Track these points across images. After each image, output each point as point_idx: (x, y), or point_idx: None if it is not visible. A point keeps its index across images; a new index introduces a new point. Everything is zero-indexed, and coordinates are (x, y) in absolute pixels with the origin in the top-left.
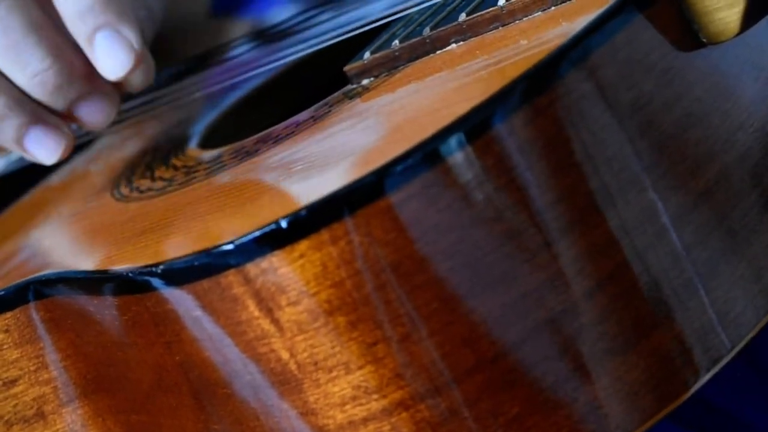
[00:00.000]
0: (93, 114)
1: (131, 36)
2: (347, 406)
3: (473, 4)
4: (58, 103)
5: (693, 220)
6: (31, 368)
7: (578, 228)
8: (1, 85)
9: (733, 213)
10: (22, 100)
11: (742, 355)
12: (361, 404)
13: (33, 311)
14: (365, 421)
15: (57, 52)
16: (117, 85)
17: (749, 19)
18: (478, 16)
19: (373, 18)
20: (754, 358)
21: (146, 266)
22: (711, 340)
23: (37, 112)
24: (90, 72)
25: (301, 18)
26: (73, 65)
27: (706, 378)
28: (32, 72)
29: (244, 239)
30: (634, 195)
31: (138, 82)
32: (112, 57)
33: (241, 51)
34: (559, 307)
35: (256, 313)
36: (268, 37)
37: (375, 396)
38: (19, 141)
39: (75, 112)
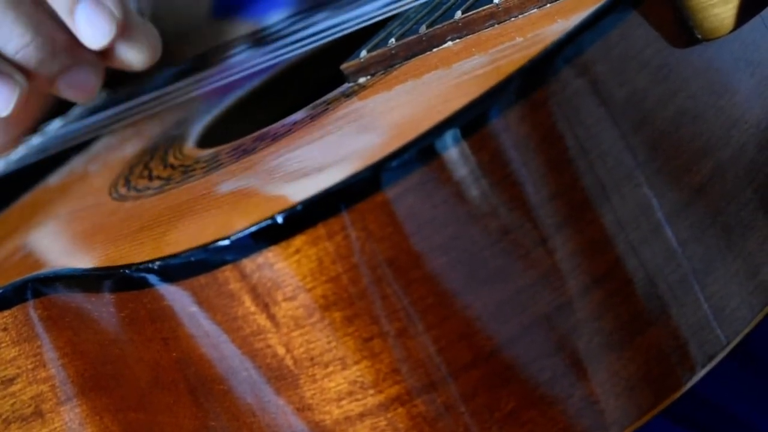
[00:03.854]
0: (78, 86)
1: (111, 4)
2: (343, 402)
3: (469, 2)
4: (43, 77)
5: (688, 216)
6: (29, 366)
7: (573, 224)
8: None
9: (728, 209)
10: None
11: (737, 350)
12: (357, 399)
13: (31, 309)
14: (361, 416)
15: (36, 26)
16: (103, 58)
17: (744, 15)
18: (474, 13)
19: (368, 17)
20: (748, 353)
21: (143, 263)
22: (706, 336)
23: None
24: (73, 44)
25: (296, 18)
26: (55, 39)
27: (701, 374)
28: (14, 48)
29: (240, 235)
30: (629, 191)
31: (134, 57)
32: (93, 26)
33: (239, 52)
34: (554, 303)
35: (252, 309)
36: (265, 38)
37: (371, 391)
38: None
39: (60, 84)
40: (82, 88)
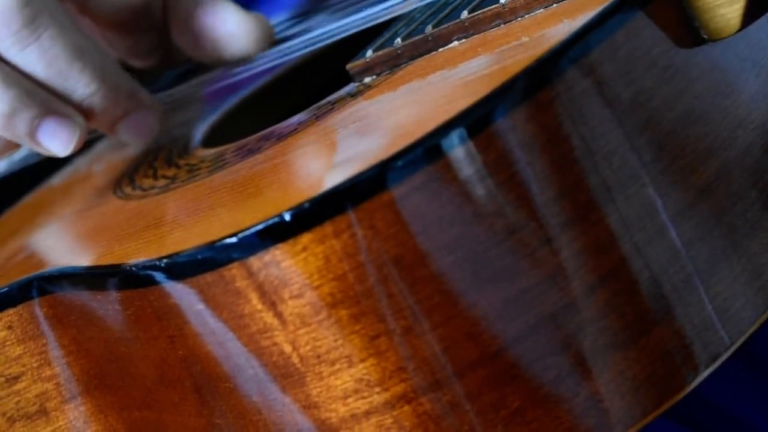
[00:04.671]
0: (137, 128)
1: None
2: (349, 400)
3: (475, 2)
4: (104, 122)
5: (693, 216)
6: (34, 365)
7: (579, 223)
8: (12, 77)
9: (733, 209)
10: (34, 91)
11: (740, 352)
12: (363, 397)
13: (36, 308)
14: (367, 414)
15: (102, 75)
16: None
17: (750, 15)
18: (480, 13)
19: (370, 20)
20: (751, 355)
21: (149, 260)
22: (710, 337)
23: (49, 103)
24: (134, 89)
25: (299, 20)
26: (119, 86)
27: (705, 374)
28: (80, 97)
29: (248, 232)
30: (634, 191)
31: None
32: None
33: None
34: (560, 303)
35: (259, 307)
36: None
37: (377, 389)
38: (32, 134)
39: (121, 127)
40: (140, 130)
